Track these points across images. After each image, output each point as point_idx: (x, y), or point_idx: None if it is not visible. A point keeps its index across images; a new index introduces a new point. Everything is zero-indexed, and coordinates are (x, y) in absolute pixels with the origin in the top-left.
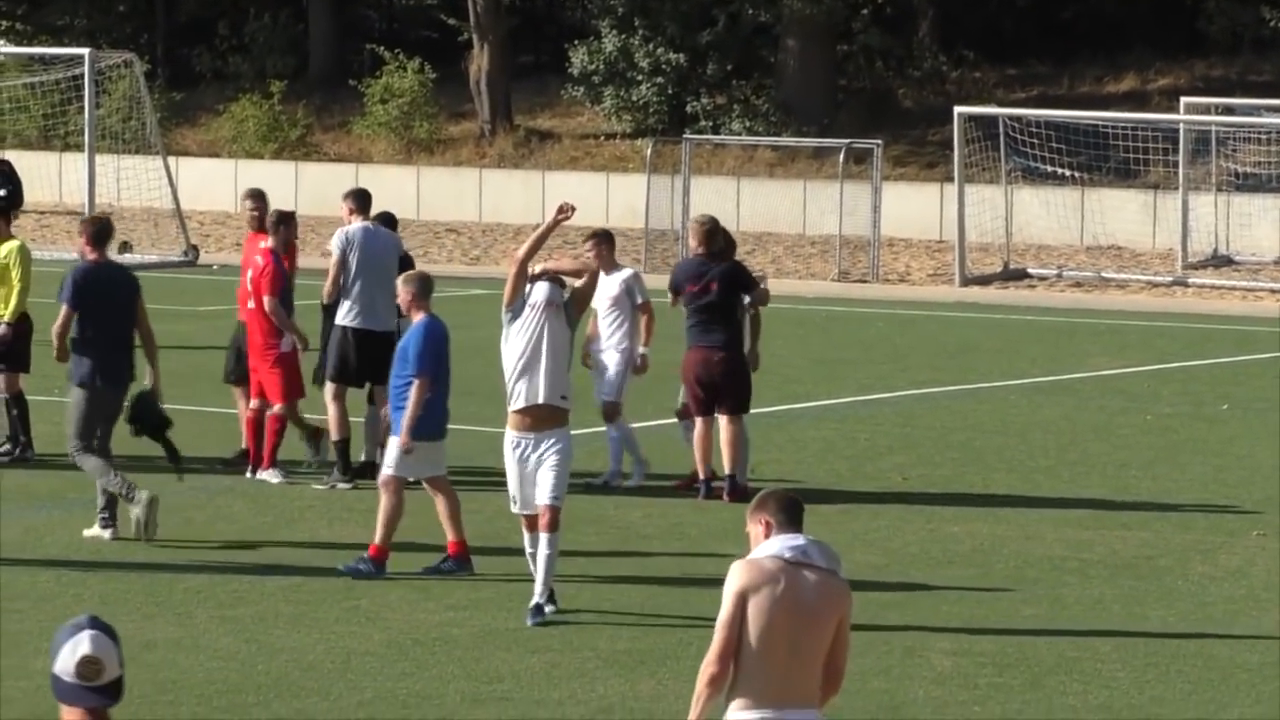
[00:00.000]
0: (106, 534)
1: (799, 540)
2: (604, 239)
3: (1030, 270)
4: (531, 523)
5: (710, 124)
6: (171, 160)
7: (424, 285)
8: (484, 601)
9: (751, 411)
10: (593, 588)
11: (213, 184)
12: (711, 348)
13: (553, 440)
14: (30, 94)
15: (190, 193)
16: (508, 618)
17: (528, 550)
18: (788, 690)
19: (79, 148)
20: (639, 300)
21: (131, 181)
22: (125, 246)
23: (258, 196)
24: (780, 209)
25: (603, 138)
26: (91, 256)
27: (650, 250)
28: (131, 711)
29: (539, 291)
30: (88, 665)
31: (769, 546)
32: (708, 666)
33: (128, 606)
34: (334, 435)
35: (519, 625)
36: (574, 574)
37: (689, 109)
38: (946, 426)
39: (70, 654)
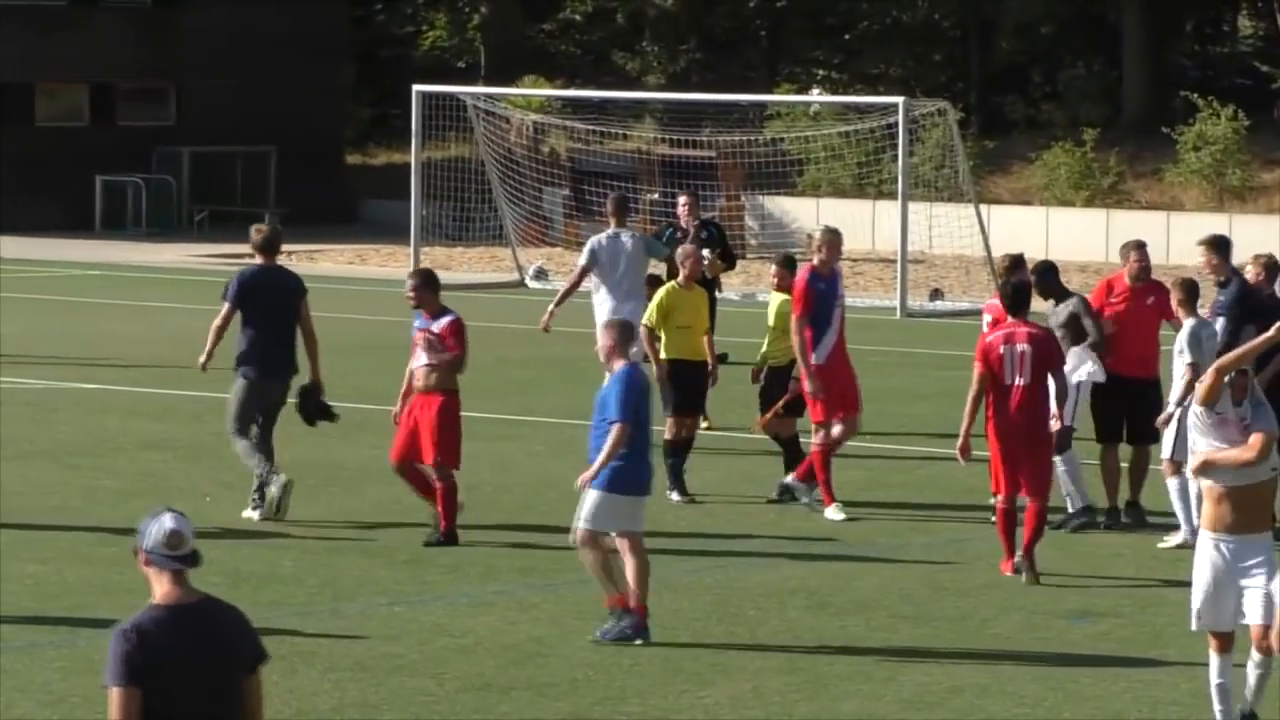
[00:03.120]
0: (256, 515)
1: None
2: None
3: None
4: (1222, 644)
5: None
6: (983, 208)
7: (625, 333)
8: None
9: None
10: None
11: (1023, 232)
12: None
13: (1261, 548)
14: (845, 142)
15: (1001, 240)
16: None
17: (1214, 680)
18: None
19: (892, 195)
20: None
21: (943, 229)
22: (936, 294)
23: None
24: None
25: None
26: (259, 261)
27: None
28: None
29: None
30: (173, 537)
31: None
32: None
33: (935, 655)
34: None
35: None
36: None
37: None
38: None
39: (158, 530)
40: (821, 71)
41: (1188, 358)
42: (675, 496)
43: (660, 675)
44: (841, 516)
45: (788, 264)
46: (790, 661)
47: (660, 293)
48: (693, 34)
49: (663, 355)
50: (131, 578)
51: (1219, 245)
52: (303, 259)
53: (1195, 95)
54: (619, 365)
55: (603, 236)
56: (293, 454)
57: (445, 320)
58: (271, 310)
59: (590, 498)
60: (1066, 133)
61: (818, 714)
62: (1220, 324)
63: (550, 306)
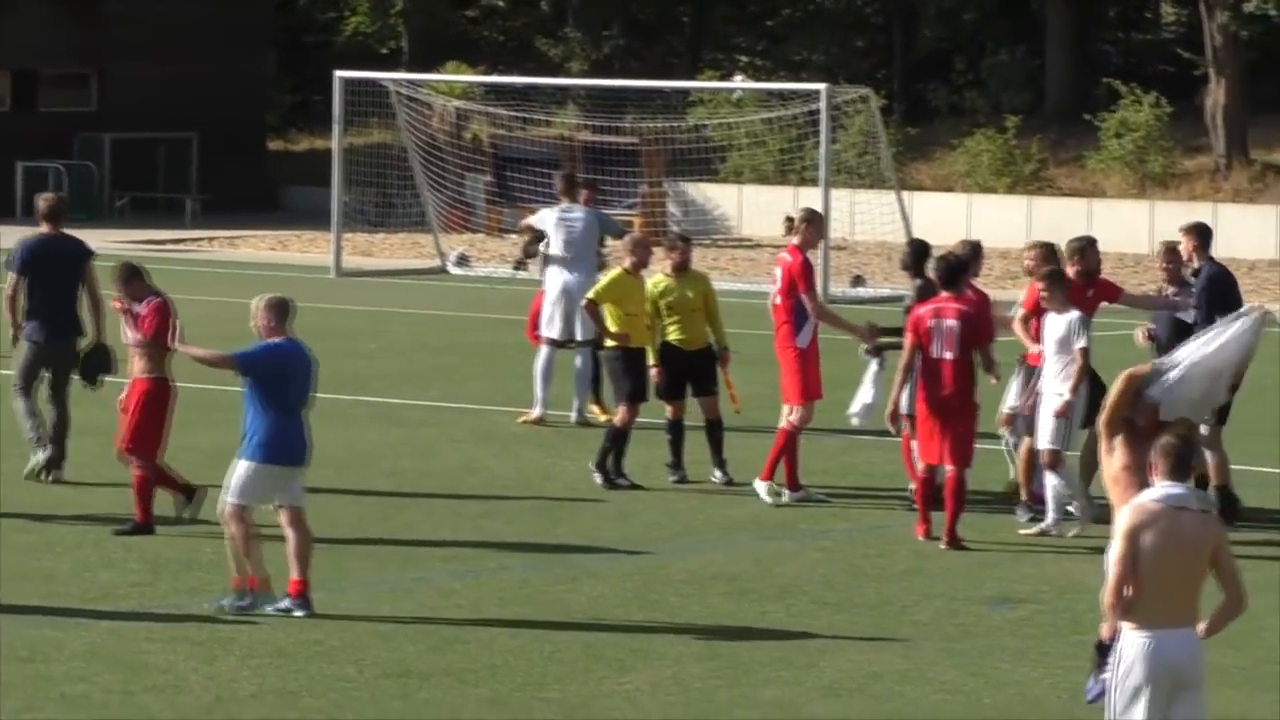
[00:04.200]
0: (40, 456)
1: (1178, 489)
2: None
3: None
4: None
5: None
6: (905, 195)
7: (282, 311)
8: (1211, 639)
9: None
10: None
11: (945, 219)
12: None
13: None
14: (768, 129)
15: (923, 227)
16: (1236, 655)
17: None
18: (1174, 613)
19: (814, 182)
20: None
21: (865, 216)
22: (858, 280)
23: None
24: None
25: None
26: (43, 230)
27: None
28: None
29: None
30: None
31: (1153, 492)
32: (1107, 598)
33: (856, 641)
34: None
35: (1248, 663)
36: None
37: None
38: None
39: None
40: (744, 58)
41: (1082, 342)
42: (598, 479)
43: (580, 662)
44: (770, 500)
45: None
46: (711, 648)
47: (610, 277)
48: (616, 20)
49: (609, 343)
50: (20, 563)
51: (1200, 232)
52: (224, 244)
53: (1118, 82)
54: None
55: (554, 211)
56: (211, 440)
57: (149, 302)
58: (55, 276)
59: (238, 469)
60: (989, 120)
61: (738, 700)
62: (1193, 316)
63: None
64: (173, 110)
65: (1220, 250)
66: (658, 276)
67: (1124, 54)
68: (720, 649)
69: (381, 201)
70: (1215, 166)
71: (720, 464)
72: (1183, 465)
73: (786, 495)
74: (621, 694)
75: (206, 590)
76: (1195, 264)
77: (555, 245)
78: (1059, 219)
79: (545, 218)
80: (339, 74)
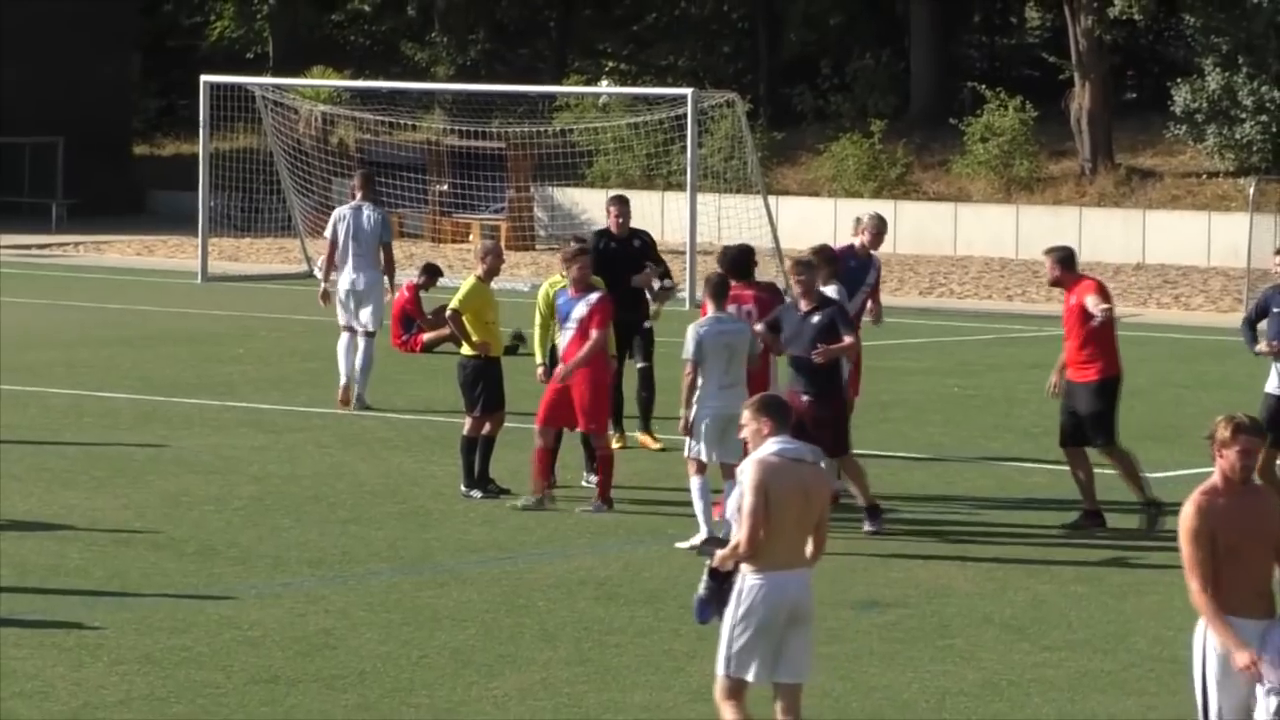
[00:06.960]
0: None
1: (793, 444)
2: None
3: None
4: None
5: None
6: (771, 199)
7: None
8: (1080, 643)
9: None
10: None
11: (812, 223)
12: None
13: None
14: (634, 134)
15: (790, 232)
16: (1104, 660)
17: None
18: (792, 556)
19: (681, 186)
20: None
21: (732, 220)
22: None
23: None
24: None
25: (1205, 176)
26: None
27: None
28: None
29: None
30: None
31: (770, 446)
32: (744, 550)
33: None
34: None
35: (1116, 668)
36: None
37: None
38: None
39: None
40: (610, 63)
41: (685, 355)
42: (477, 494)
43: (449, 667)
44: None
45: None
46: (579, 653)
47: (467, 286)
48: (482, 25)
49: (468, 350)
50: None
51: None
52: (90, 250)
53: (983, 86)
54: None
55: (346, 209)
56: (82, 445)
57: None
58: None
59: None
60: (854, 124)
61: (607, 705)
62: None
63: (322, 284)
64: (38, 114)
65: (1085, 255)
66: (555, 277)
67: (989, 58)
68: (589, 654)
69: (248, 206)
70: (1080, 171)
71: (594, 469)
72: (784, 418)
73: None
74: (490, 699)
75: (73, 595)
76: None
77: (345, 241)
78: (925, 223)
79: (336, 218)
80: (205, 78)
